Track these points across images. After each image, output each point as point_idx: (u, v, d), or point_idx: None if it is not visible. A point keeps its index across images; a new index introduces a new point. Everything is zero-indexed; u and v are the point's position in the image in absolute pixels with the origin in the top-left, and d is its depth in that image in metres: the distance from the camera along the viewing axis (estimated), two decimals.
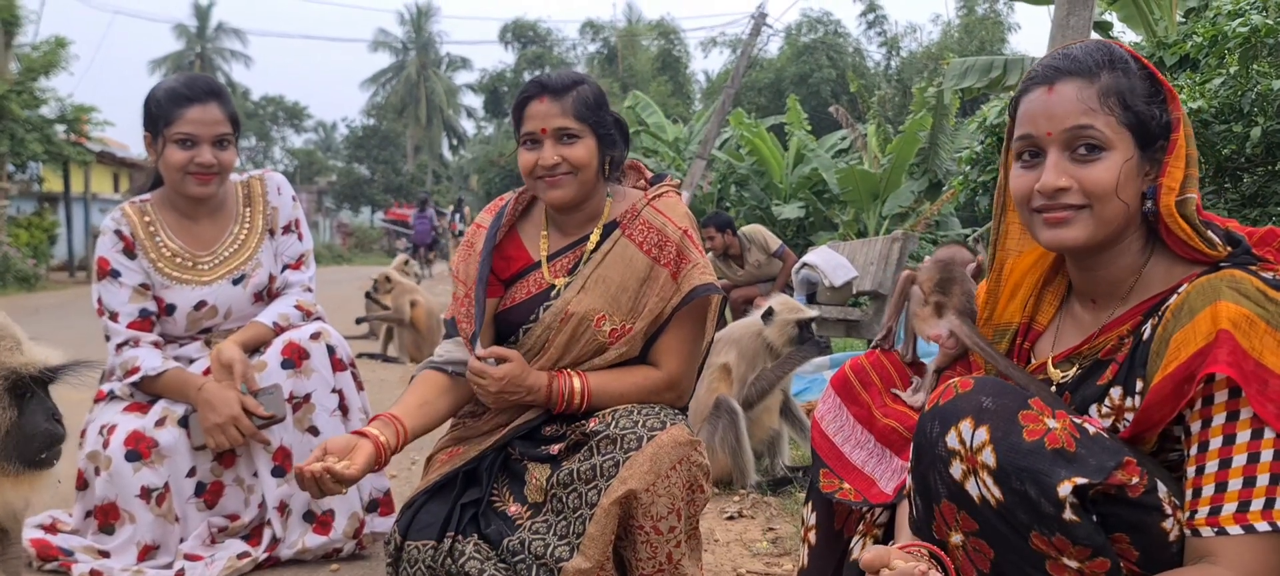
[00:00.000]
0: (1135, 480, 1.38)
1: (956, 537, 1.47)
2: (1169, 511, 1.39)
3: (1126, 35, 8.88)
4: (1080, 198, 1.50)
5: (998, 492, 1.39)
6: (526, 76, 40.29)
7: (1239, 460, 1.35)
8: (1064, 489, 1.34)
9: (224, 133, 2.92)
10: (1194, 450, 1.39)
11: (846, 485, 1.78)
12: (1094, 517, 1.37)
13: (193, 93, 2.89)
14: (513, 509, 2.27)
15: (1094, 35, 7.16)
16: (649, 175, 2.52)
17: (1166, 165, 1.50)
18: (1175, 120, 1.51)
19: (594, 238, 2.36)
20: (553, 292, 2.34)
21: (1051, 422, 1.40)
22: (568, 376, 2.28)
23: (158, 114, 2.88)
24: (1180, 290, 1.46)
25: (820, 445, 1.84)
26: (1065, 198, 1.50)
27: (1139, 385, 1.47)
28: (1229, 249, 1.50)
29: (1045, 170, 1.51)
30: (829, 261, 7.36)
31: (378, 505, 3.00)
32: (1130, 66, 1.52)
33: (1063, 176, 1.50)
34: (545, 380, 2.27)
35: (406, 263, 8.99)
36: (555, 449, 2.27)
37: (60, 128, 18.12)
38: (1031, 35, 59.39)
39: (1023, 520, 1.37)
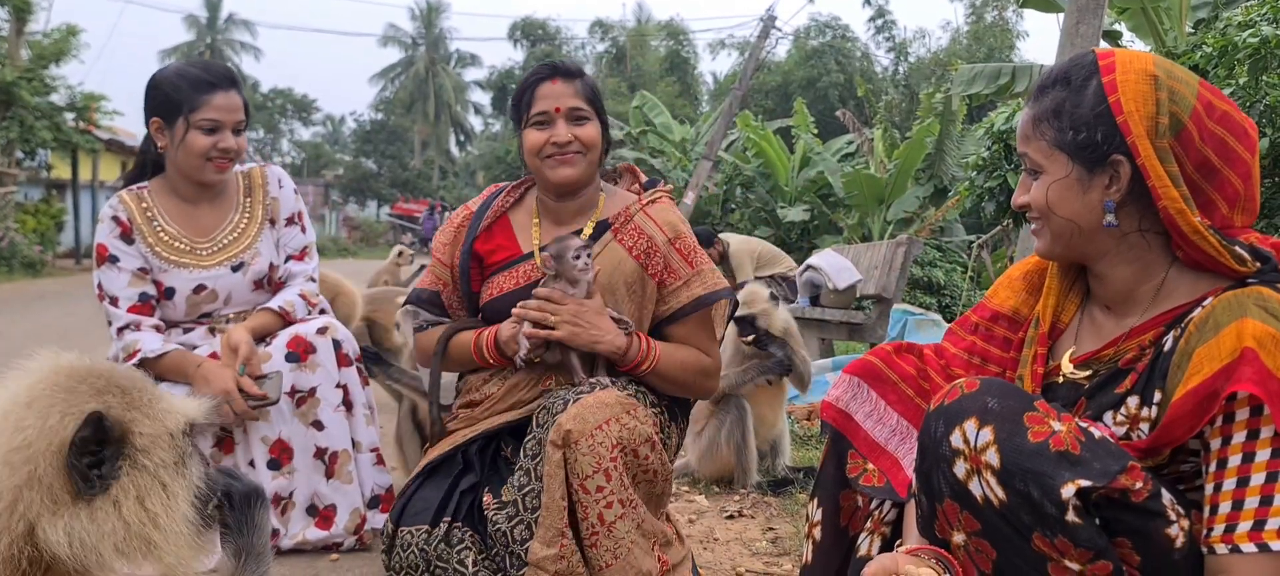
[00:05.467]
0: (1139, 485, 1.37)
1: (959, 537, 1.46)
2: (1173, 518, 1.39)
3: (1135, 45, 8.85)
4: (1038, 213, 1.59)
5: (1001, 493, 1.39)
6: None
7: (1258, 479, 1.34)
8: (1067, 491, 1.34)
9: (241, 120, 2.97)
10: (1213, 466, 1.39)
11: (871, 466, 1.70)
12: (1097, 521, 1.37)
13: (216, 79, 2.93)
14: (485, 497, 2.25)
15: (1103, 44, 7.14)
16: (644, 179, 2.55)
17: (1148, 181, 1.48)
18: (1127, 133, 1.48)
19: (587, 232, 2.38)
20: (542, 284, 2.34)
21: (1056, 425, 1.40)
22: (642, 335, 2.32)
23: (178, 99, 2.89)
24: (1205, 303, 1.45)
25: (835, 418, 1.73)
26: (1031, 212, 1.60)
27: (1157, 396, 1.46)
28: (1258, 265, 1.49)
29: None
30: (833, 264, 7.37)
31: (379, 501, 3.00)
32: (1085, 82, 1.52)
33: (1022, 193, 1.62)
34: (618, 329, 2.29)
35: (400, 254, 8.90)
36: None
37: (69, 115, 18.18)
38: (1040, 43, 59.32)
39: (1025, 521, 1.37)
